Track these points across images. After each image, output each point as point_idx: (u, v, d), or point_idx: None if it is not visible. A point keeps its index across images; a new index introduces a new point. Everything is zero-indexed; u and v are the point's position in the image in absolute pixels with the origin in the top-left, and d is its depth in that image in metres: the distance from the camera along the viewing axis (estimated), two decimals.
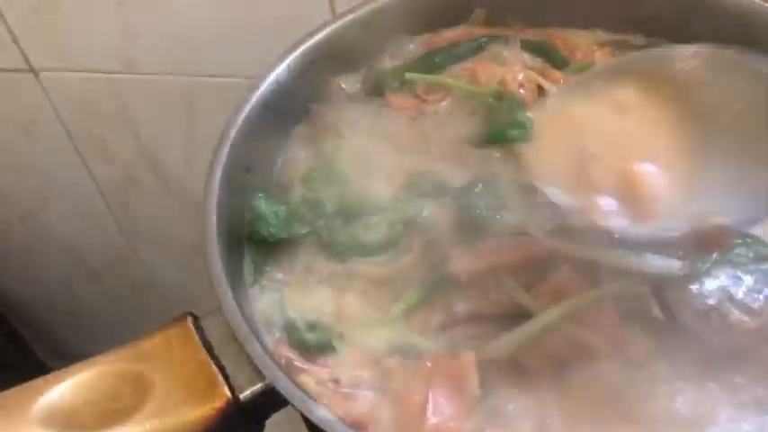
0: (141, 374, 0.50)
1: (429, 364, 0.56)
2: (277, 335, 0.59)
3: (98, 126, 1.12)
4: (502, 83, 0.67)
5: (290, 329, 0.59)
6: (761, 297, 0.56)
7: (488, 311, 0.58)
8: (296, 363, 0.56)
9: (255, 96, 0.64)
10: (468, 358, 0.55)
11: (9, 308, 1.46)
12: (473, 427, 0.53)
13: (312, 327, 0.59)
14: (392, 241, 0.62)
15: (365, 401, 0.55)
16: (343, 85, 0.71)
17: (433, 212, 0.62)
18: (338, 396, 0.54)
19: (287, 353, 0.56)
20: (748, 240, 0.59)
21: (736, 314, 0.55)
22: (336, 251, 0.62)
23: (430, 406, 0.54)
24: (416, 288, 0.59)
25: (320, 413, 0.47)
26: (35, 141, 1.16)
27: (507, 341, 0.55)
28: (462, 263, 0.59)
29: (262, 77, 0.66)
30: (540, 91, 0.67)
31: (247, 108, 0.63)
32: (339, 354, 0.58)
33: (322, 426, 0.47)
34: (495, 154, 0.65)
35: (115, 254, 1.34)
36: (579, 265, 0.58)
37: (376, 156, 0.67)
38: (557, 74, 0.68)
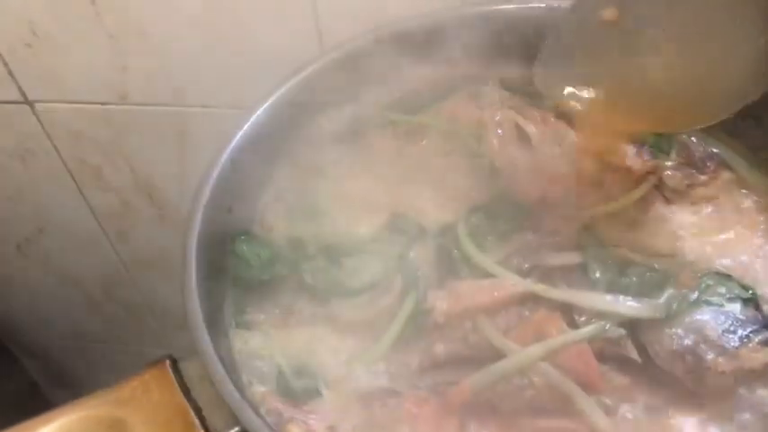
0: (120, 419, 0.51)
1: (412, 409, 0.56)
2: (264, 383, 0.59)
3: (93, 155, 1.13)
4: (481, 123, 0.68)
5: (277, 376, 0.59)
6: (735, 338, 0.57)
7: (467, 354, 0.59)
8: (284, 414, 0.56)
9: (237, 138, 0.65)
10: (449, 400, 0.56)
11: (8, 334, 1.47)
12: None
13: (299, 373, 0.60)
14: (372, 282, 0.62)
15: None
16: (327, 125, 0.72)
17: (413, 254, 0.64)
18: None
19: (275, 403, 0.57)
20: (724, 280, 0.59)
21: (711, 356, 0.56)
22: (318, 293, 0.63)
23: None
24: (395, 330, 0.60)
25: None
26: (32, 170, 1.18)
27: (480, 379, 0.56)
28: (440, 305, 0.59)
29: (244, 117, 0.67)
30: (519, 129, 0.68)
31: (229, 149, 0.64)
32: (325, 398, 0.58)
33: None
34: (478, 194, 0.67)
35: (112, 280, 1.35)
36: (556, 306, 0.58)
37: (358, 196, 0.68)
38: (535, 112, 0.69)
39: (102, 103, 1.05)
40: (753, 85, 0.53)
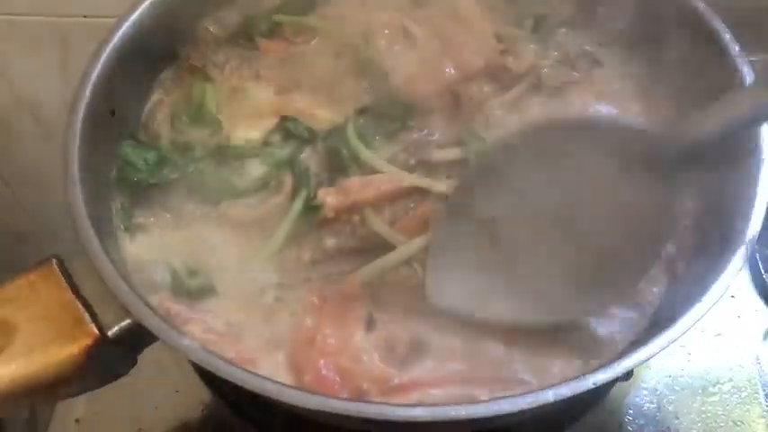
0: (5, 318, 0.50)
1: (315, 300, 0.59)
2: (158, 289, 0.59)
3: None
4: (368, 24, 0.69)
5: (172, 278, 0.60)
6: None
7: (356, 246, 0.61)
8: (182, 314, 0.57)
9: (117, 37, 0.63)
10: (345, 291, 0.59)
11: None
12: (360, 352, 0.56)
13: (193, 272, 0.60)
14: (263, 183, 0.63)
15: (253, 339, 0.57)
16: (211, 28, 0.70)
17: (302, 154, 0.65)
18: (227, 339, 0.56)
19: (172, 306, 0.57)
20: None
21: None
22: (207, 194, 0.63)
23: (320, 338, 0.57)
24: (287, 227, 0.61)
25: (185, 343, 0.49)
26: None
27: (372, 269, 0.59)
28: (330, 200, 0.61)
29: (124, 17, 0.64)
30: (405, 30, 0.69)
31: (108, 49, 0.62)
32: (220, 296, 0.60)
33: (190, 356, 0.49)
34: (366, 94, 0.68)
35: None
36: (439, 198, 0.61)
37: (245, 99, 0.68)
38: (420, 12, 0.70)
39: None
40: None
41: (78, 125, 0.58)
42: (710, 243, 0.58)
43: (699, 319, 0.49)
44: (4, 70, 1.07)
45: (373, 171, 0.63)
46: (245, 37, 0.71)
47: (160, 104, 0.68)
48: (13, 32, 1.01)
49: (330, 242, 0.61)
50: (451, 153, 0.64)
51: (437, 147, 0.64)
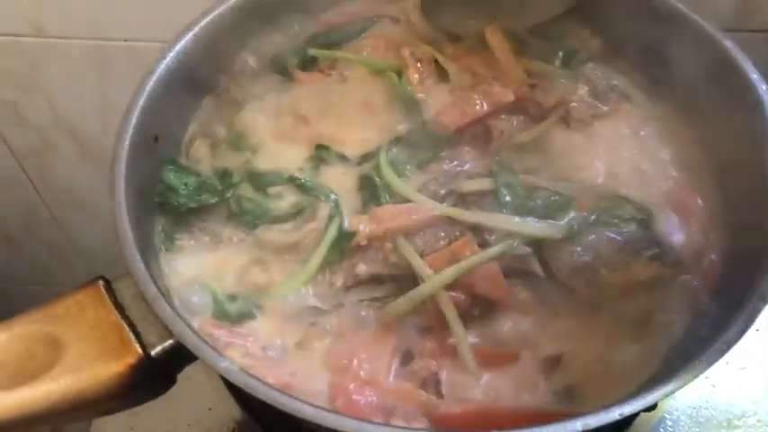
0: (54, 335, 0.52)
1: (346, 326, 0.61)
2: (199, 312, 0.61)
3: (8, 91, 1.10)
4: (401, 57, 0.71)
5: (213, 301, 0.62)
6: (628, 255, 0.63)
7: (387, 273, 0.63)
8: (222, 339, 0.59)
9: (162, 67, 0.66)
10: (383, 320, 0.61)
11: None
12: (394, 382, 0.58)
13: (232, 297, 0.62)
14: (297, 209, 0.66)
15: (289, 365, 0.59)
16: (249, 60, 0.73)
17: (336, 182, 0.67)
18: (265, 363, 0.58)
19: (212, 330, 0.59)
20: (621, 203, 0.65)
21: (605, 271, 0.62)
22: (245, 219, 0.65)
23: (356, 362, 0.58)
24: (321, 253, 0.63)
25: (225, 365, 0.51)
26: None
27: (406, 301, 0.60)
28: (363, 228, 0.63)
29: (167, 49, 0.67)
30: (437, 65, 0.71)
31: (153, 78, 0.65)
32: (258, 320, 0.61)
33: (228, 376, 0.51)
34: (398, 126, 0.70)
35: (33, 218, 1.33)
36: (469, 228, 0.63)
37: (282, 127, 0.70)
38: (450, 48, 0.72)
39: (16, 35, 1.02)
40: None
41: (125, 152, 0.60)
42: (737, 276, 0.59)
43: (725, 354, 0.50)
44: (45, 91, 1.11)
45: (405, 200, 0.65)
46: (281, 69, 0.74)
47: (201, 131, 0.71)
48: (54, 55, 1.04)
49: (362, 269, 0.63)
50: (481, 184, 0.66)
51: (467, 177, 0.66)
